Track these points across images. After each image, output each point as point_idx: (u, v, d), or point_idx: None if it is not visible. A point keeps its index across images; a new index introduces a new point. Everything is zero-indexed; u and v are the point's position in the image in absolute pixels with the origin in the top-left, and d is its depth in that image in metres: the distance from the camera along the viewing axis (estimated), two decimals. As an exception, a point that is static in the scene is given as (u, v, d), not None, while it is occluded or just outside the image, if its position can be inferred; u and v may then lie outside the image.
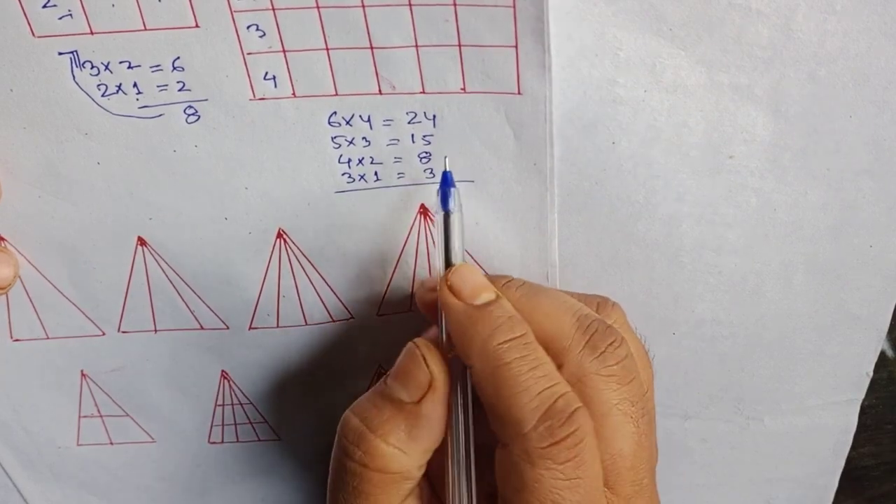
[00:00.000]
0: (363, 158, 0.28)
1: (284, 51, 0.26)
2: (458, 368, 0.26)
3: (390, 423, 0.25)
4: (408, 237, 0.30)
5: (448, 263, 0.27)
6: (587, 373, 0.25)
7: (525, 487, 0.24)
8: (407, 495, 0.26)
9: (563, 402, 0.24)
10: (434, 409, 0.25)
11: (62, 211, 0.29)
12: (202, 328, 0.33)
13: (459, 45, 0.26)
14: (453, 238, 0.27)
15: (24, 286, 0.31)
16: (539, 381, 0.24)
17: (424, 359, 0.26)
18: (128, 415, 0.36)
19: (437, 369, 0.26)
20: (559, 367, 0.25)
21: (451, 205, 0.28)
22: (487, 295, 0.26)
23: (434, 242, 0.30)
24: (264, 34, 0.25)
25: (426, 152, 0.28)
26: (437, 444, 0.26)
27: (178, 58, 0.26)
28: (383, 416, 0.26)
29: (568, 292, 0.29)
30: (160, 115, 0.27)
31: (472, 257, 0.31)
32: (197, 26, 0.25)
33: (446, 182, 0.28)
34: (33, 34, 0.25)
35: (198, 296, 0.32)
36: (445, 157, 0.28)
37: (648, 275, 0.32)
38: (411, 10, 0.25)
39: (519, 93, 0.27)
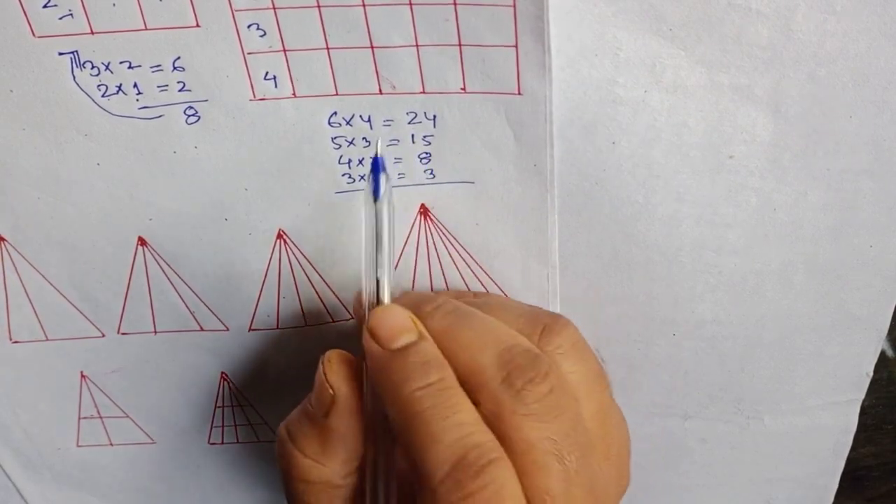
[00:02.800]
0: (363, 159, 0.28)
1: (285, 50, 0.26)
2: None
3: (307, 437, 0.26)
4: (408, 237, 0.30)
5: (377, 264, 0.26)
6: (504, 410, 0.24)
7: None
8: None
9: (475, 454, 0.22)
10: (342, 423, 0.25)
11: (62, 212, 0.29)
12: (202, 329, 0.33)
13: (460, 45, 0.26)
14: (383, 233, 0.26)
15: (24, 287, 0.31)
16: (452, 430, 0.23)
17: (325, 374, 0.25)
18: (127, 416, 0.36)
19: (338, 384, 0.25)
20: (476, 403, 0.24)
21: (381, 192, 0.26)
22: (407, 337, 0.25)
23: (434, 243, 0.30)
24: (265, 33, 0.25)
25: (426, 153, 0.28)
26: (359, 454, 0.26)
27: (179, 58, 0.26)
28: (303, 429, 0.26)
29: (519, 306, 0.28)
30: (160, 116, 0.27)
31: (474, 258, 0.31)
32: (198, 26, 0.25)
33: (377, 168, 0.26)
34: (33, 34, 0.25)
35: (198, 296, 0.31)
36: (378, 140, 0.27)
37: (648, 275, 0.32)
38: (412, 9, 0.25)
39: (519, 93, 0.27)
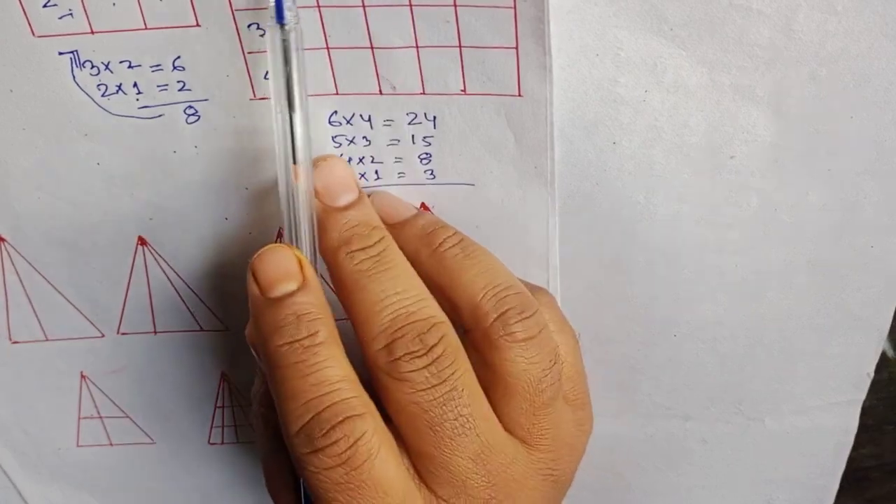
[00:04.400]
0: (363, 158, 0.28)
1: (285, 50, 0.26)
2: None
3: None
4: (408, 238, 0.30)
5: (291, 106, 0.23)
6: (380, 371, 0.25)
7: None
8: None
9: (329, 413, 0.23)
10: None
11: (62, 211, 0.29)
12: (202, 329, 0.33)
13: (460, 46, 0.26)
14: (293, 70, 0.22)
15: (23, 287, 0.31)
16: (310, 389, 0.23)
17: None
18: (127, 416, 0.36)
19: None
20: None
21: (288, 16, 0.20)
22: (286, 286, 0.24)
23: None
24: (265, 33, 0.25)
25: (426, 153, 0.28)
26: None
27: (179, 57, 0.26)
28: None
29: (499, 269, 0.27)
30: (160, 116, 0.27)
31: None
32: (198, 25, 0.25)
33: None
34: (33, 34, 0.25)
35: (198, 296, 0.31)
36: None
37: (649, 276, 0.32)
38: (412, 10, 0.25)
39: (520, 94, 0.26)
